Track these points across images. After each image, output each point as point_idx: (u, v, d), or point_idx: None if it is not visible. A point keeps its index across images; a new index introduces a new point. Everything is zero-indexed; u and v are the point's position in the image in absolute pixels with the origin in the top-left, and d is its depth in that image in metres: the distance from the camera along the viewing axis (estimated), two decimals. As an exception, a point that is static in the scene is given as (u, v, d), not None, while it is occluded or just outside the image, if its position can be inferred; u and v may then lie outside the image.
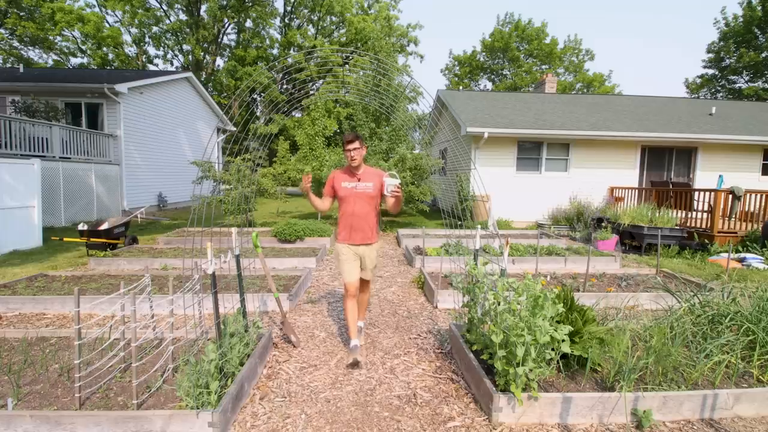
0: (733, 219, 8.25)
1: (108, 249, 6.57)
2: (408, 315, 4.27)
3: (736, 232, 7.84)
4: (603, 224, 8.65)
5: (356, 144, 3.04)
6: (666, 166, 11.84)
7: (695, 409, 2.43)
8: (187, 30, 28.12)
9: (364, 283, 3.38)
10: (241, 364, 2.69)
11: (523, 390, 2.34)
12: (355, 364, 3.03)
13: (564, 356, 2.73)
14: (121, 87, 11.53)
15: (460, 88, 36.98)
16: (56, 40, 25.88)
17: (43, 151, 9.70)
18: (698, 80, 32.08)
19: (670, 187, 10.14)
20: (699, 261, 6.94)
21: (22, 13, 23.07)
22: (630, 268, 6.46)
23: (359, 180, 3.12)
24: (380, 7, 29.88)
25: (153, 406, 2.31)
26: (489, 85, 39.12)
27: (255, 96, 29.58)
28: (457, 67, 39.52)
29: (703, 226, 8.06)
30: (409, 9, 59.60)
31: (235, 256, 3.10)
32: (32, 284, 4.83)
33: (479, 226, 3.65)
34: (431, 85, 68.10)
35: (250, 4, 27.76)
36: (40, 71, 16.15)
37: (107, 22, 27.59)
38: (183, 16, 28.71)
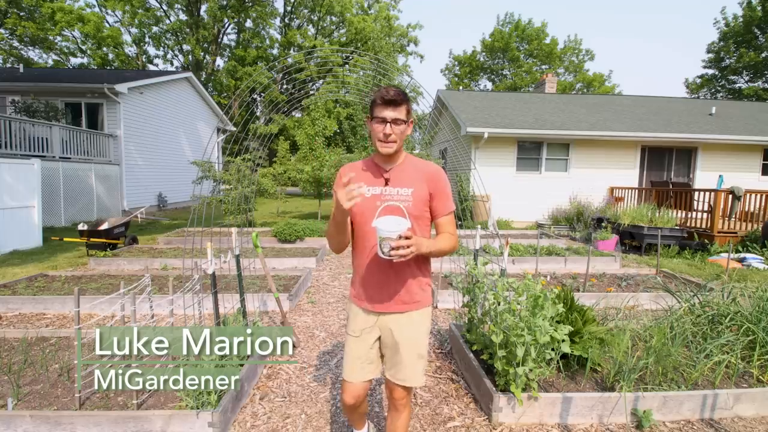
0: (733, 219, 8.25)
1: (108, 249, 6.57)
2: (408, 315, 4.27)
3: (736, 232, 7.84)
4: (603, 224, 8.65)
5: (400, 111, 1.49)
6: (666, 166, 11.84)
7: (695, 409, 2.43)
8: (187, 30, 28.13)
9: (396, 394, 1.67)
10: (241, 364, 2.69)
11: (523, 390, 2.34)
12: None
13: (564, 356, 2.72)
14: (121, 87, 11.54)
15: (460, 88, 36.99)
16: (56, 40, 25.88)
17: (43, 151, 9.70)
18: (698, 80, 32.10)
19: (670, 187, 10.14)
20: (699, 261, 6.94)
21: (22, 13, 23.06)
22: (630, 268, 6.46)
23: (387, 182, 1.57)
24: (380, 7, 29.89)
25: (153, 406, 2.31)
26: (489, 85, 39.14)
27: (255, 96, 29.58)
28: (457, 67, 39.53)
29: (703, 226, 8.06)
30: (409, 9, 59.71)
31: (235, 256, 3.11)
32: (32, 284, 4.83)
33: (479, 226, 3.65)
34: (431, 85, 68.20)
35: (250, 4, 27.77)
36: (40, 71, 16.16)
37: (107, 22, 27.61)
38: (183, 16, 28.73)
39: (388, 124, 1.48)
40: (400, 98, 1.48)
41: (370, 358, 1.65)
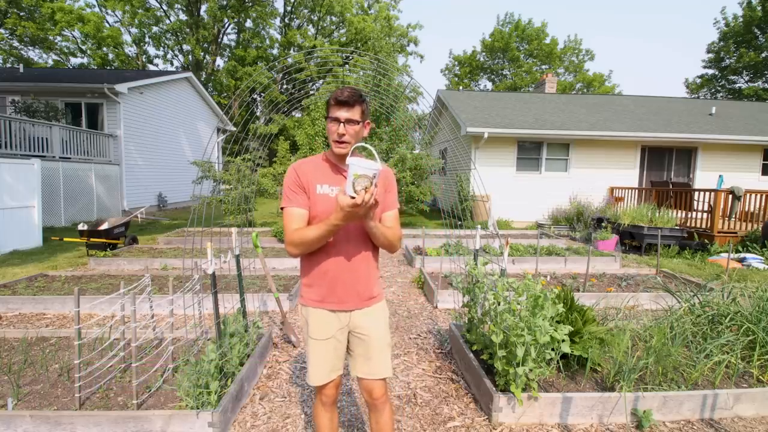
0: (733, 219, 8.25)
1: (108, 249, 6.57)
2: (408, 315, 4.27)
3: (736, 232, 7.84)
4: (603, 224, 8.65)
5: (353, 112, 1.51)
6: (666, 166, 11.84)
7: (695, 409, 2.43)
8: (187, 30, 28.12)
9: (376, 392, 1.67)
10: (241, 364, 2.69)
11: (523, 390, 2.34)
12: None
13: (564, 356, 2.73)
14: (121, 87, 11.54)
15: (460, 88, 36.99)
16: (56, 40, 25.86)
17: (43, 151, 9.70)
18: (698, 80, 32.10)
19: (670, 187, 10.15)
20: (699, 261, 6.94)
21: (22, 13, 23.06)
22: (630, 268, 6.46)
23: None
24: (380, 7, 29.87)
25: (153, 406, 2.31)
26: (489, 85, 39.14)
27: (255, 96, 29.58)
28: (457, 67, 39.52)
29: (703, 226, 8.06)
30: (409, 9, 59.68)
31: (235, 256, 3.10)
32: (32, 284, 4.83)
33: (479, 226, 3.65)
34: (431, 85, 68.16)
35: (250, 4, 27.77)
36: (40, 71, 16.15)
37: (107, 22, 27.58)
38: (183, 16, 28.71)
39: (342, 124, 1.49)
40: (353, 99, 1.49)
41: (339, 357, 1.67)
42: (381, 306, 1.71)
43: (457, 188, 11.65)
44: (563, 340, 2.30)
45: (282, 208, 1.57)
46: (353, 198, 1.30)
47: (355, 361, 1.69)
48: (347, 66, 21.48)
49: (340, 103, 1.50)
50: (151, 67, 29.69)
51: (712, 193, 7.86)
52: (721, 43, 29.77)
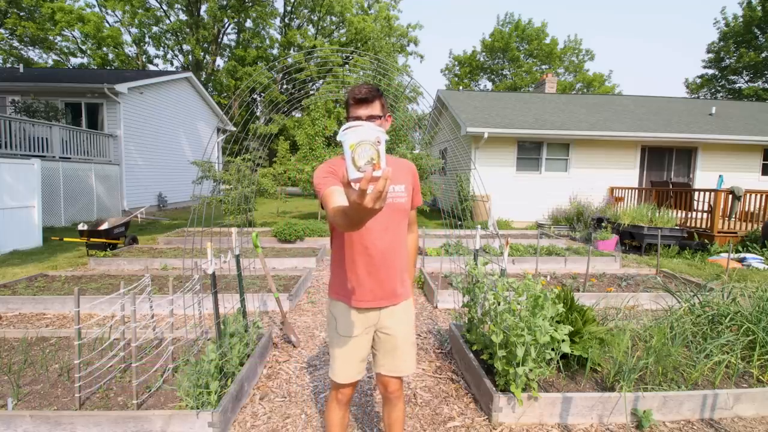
0: (733, 219, 8.25)
1: (108, 249, 6.57)
2: (408, 315, 4.27)
3: (736, 232, 7.84)
4: (603, 224, 8.65)
5: (373, 108, 1.48)
6: (666, 166, 11.84)
7: (695, 409, 2.43)
8: (187, 30, 28.13)
9: (392, 386, 1.73)
10: (241, 364, 2.69)
11: (523, 390, 2.34)
12: None
13: (564, 356, 2.73)
14: (121, 87, 11.54)
15: (460, 88, 36.99)
16: (56, 40, 25.88)
17: (43, 151, 9.70)
18: (698, 80, 32.11)
19: (670, 187, 10.15)
20: (699, 261, 6.94)
21: (22, 13, 23.07)
22: (630, 268, 6.46)
23: None
24: (380, 7, 29.88)
25: (153, 406, 2.31)
26: (489, 85, 39.15)
27: (255, 96, 29.58)
28: (457, 67, 39.54)
29: (703, 226, 8.06)
30: (409, 9, 59.77)
31: (235, 256, 3.10)
32: (32, 284, 4.83)
33: (479, 226, 3.65)
34: (431, 85, 68.19)
35: (250, 4, 27.77)
36: (40, 71, 16.15)
37: (107, 22, 27.60)
38: (183, 16, 28.73)
39: (365, 120, 1.45)
40: (372, 95, 1.47)
41: (364, 357, 1.66)
42: (409, 303, 1.73)
43: (457, 188, 11.64)
44: (563, 340, 2.30)
45: (322, 203, 1.41)
46: (359, 180, 0.89)
47: (378, 357, 1.70)
48: (347, 66, 21.48)
49: (360, 101, 1.47)
50: (151, 67, 29.73)
51: (712, 193, 7.85)
52: (721, 43, 29.78)
